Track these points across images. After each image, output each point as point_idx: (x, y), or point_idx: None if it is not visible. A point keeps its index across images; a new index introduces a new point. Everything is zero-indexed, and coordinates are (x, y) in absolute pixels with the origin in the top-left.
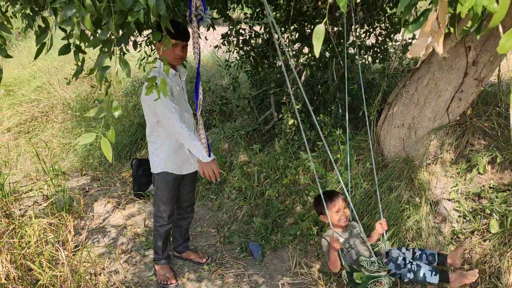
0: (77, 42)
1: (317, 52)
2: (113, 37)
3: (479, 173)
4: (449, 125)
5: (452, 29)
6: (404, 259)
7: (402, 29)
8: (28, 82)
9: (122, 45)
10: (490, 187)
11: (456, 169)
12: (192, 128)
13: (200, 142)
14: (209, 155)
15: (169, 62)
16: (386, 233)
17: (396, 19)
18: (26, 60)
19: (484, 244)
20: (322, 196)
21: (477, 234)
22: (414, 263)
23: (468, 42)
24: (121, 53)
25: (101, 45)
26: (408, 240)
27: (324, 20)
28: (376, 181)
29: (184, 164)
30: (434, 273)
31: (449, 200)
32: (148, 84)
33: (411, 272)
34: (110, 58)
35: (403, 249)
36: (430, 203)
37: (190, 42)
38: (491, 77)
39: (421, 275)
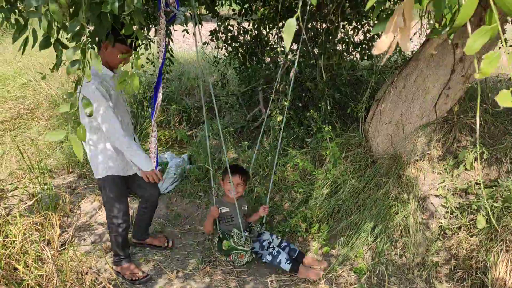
0: (55, 36)
1: (287, 46)
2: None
3: (466, 169)
4: (436, 122)
5: (437, 25)
6: (269, 243)
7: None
8: (13, 79)
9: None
10: (476, 183)
11: (444, 165)
12: (130, 130)
13: (140, 151)
14: (156, 166)
15: (112, 65)
16: (265, 218)
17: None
18: (11, 56)
19: (471, 240)
20: (228, 167)
21: (464, 230)
22: (276, 249)
23: (456, 39)
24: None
25: (73, 37)
26: (396, 236)
27: (296, 15)
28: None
29: (129, 163)
30: (288, 262)
31: (436, 196)
32: (120, 78)
33: (271, 255)
34: (84, 52)
35: (274, 236)
36: (417, 199)
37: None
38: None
39: (278, 260)
